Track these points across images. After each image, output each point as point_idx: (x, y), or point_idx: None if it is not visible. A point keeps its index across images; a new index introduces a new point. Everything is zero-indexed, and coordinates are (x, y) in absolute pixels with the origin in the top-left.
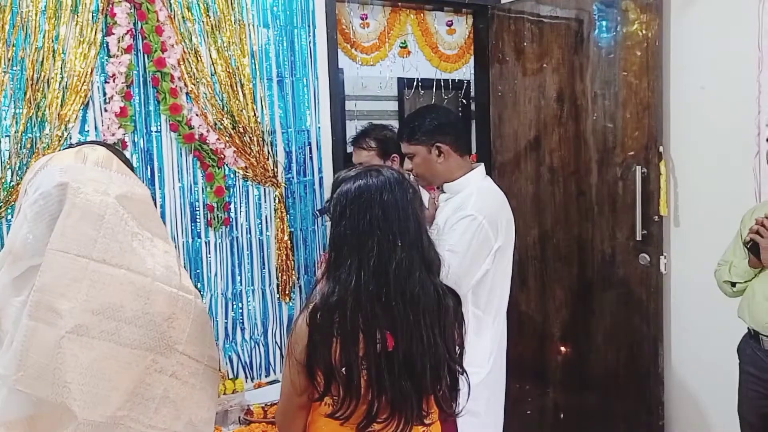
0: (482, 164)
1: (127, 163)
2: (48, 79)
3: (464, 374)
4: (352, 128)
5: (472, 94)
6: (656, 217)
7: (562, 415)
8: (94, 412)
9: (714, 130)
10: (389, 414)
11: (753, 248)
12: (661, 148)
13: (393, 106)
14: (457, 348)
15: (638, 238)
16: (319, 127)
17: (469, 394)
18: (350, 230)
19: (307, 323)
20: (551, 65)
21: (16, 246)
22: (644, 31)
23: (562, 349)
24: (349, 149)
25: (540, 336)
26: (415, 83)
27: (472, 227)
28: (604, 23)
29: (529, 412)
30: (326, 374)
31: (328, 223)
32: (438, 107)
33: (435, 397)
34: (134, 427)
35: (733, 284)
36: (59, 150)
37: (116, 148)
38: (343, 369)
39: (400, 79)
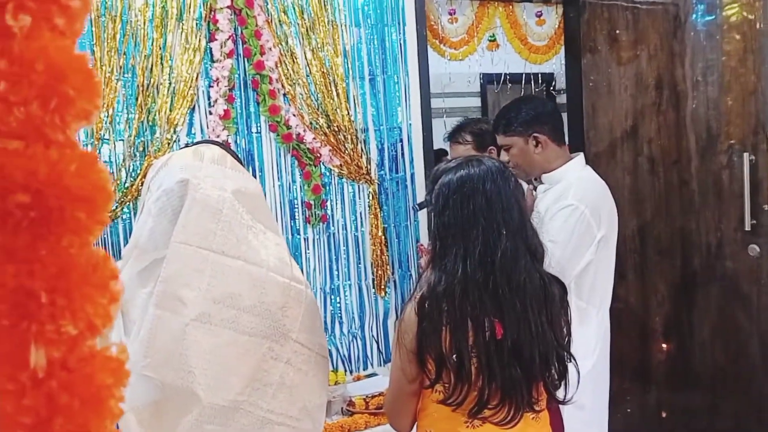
0: (581, 153)
1: (239, 160)
2: (157, 85)
3: (573, 361)
4: (437, 126)
5: (562, 85)
6: (766, 206)
7: (664, 414)
8: (217, 395)
9: None
10: (500, 400)
11: None
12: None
13: (476, 102)
14: (565, 335)
15: (747, 228)
16: (410, 124)
17: (578, 381)
18: (454, 220)
19: (416, 312)
20: (647, 52)
21: (142, 240)
22: (745, 14)
23: (665, 345)
24: (441, 145)
25: (641, 332)
26: (501, 78)
27: (574, 217)
28: (702, 6)
29: (629, 410)
30: (437, 362)
31: (422, 219)
32: (532, 97)
33: (544, 384)
34: (253, 412)
35: None
36: (172, 150)
37: (228, 147)
38: (454, 356)
39: (483, 75)
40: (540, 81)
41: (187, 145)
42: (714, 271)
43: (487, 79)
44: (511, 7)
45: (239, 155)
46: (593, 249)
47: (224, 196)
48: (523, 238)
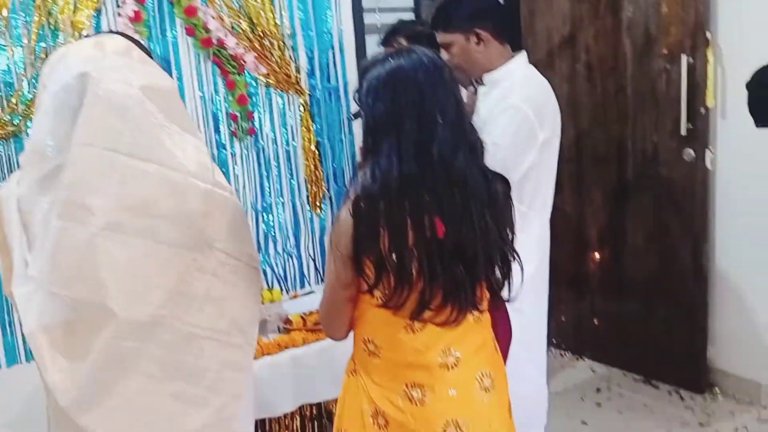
0: (524, 51)
1: (148, 54)
2: None
3: (517, 259)
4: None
5: None
6: (703, 109)
7: (597, 321)
8: (135, 310)
9: (765, 17)
10: (442, 301)
11: None
12: (708, 35)
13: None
14: (509, 232)
15: (683, 133)
16: (341, 29)
17: (522, 281)
18: (386, 113)
19: (351, 214)
20: None
21: (39, 144)
22: None
23: (600, 253)
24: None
25: (577, 240)
26: None
27: (517, 118)
28: None
29: (564, 318)
30: (377, 265)
31: (358, 132)
32: None
33: (488, 284)
34: (177, 327)
35: None
36: None
37: (135, 39)
38: (394, 258)
39: None
40: None
41: (86, 36)
42: (649, 177)
43: None
44: None
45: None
46: (536, 152)
47: (131, 92)
48: (461, 132)
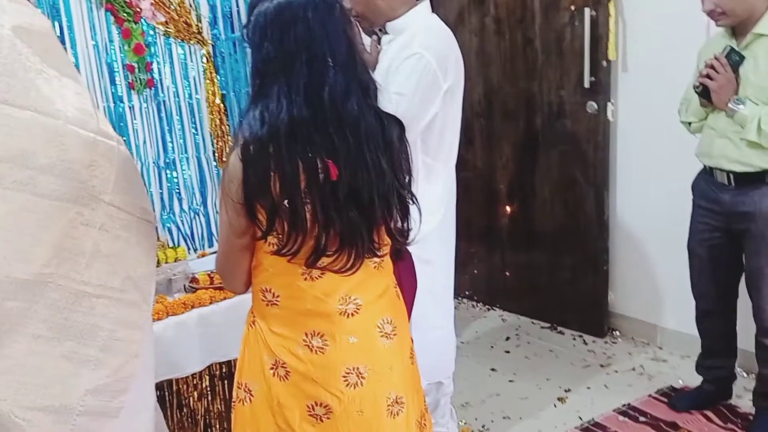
0: (427, 0)
1: None
2: None
3: (415, 202)
4: None
5: None
6: (605, 62)
7: (507, 273)
8: (16, 268)
9: None
10: (338, 247)
11: (704, 93)
12: None
13: None
14: (405, 175)
15: (586, 85)
16: None
17: (420, 222)
18: (273, 53)
19: (240, 159)
20: None
21: None
22: None
23: (509, 207)
24: None
25: (487, 195)
26: None
27: (419, 67)
28: None
29: (476, 271)
30: (269, 211)
31: None
32: None
33: (386, 228)
34: (66, 285)
35: (689, 123)
36: None
37: None
38: (286, 203)
39: None
40: None
41: None
42: (556, 131)
43: None
44: None
45: (40, 11)
46: (439, 101)
47: (1, 34)
48: (353, 73)
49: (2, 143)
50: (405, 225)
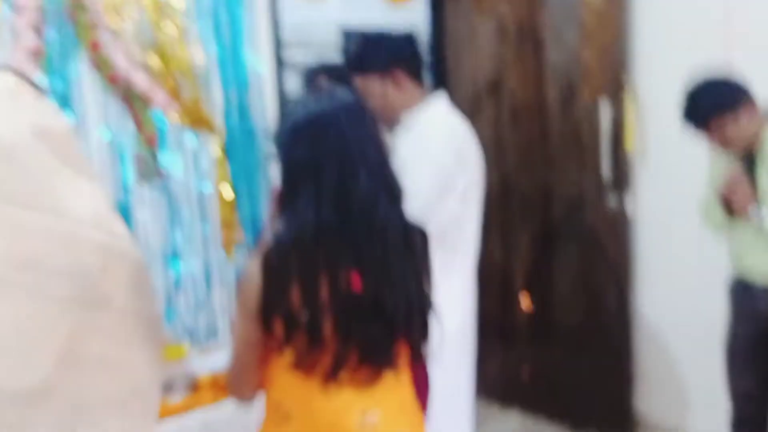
0: (444, 92)
1: (41, 92)
2: None
3: (436, 314)
4: (292, 80)
5: (424, 38)
6: (623, 154)
7: (524, 370)
8: (20, 377)
9: (683, 63)
10: (358, 361)
11: (725, 206)
12: (626, 81)
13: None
14: (428, 287)
15: (605, 178)
16: (260, 67)
17: (442, 336)
18: (304, 159)
19: (261, 267)
20: (509, 1)
21: None
22: None
23: (526, 300)
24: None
25: (502, 287)
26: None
27: (435, 164)
28: None
29: (490, 366)
30: (287, 322)
31: (276, 176)
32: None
33: (407, 340)
34: (69, 395)
35: (714, 227)
36: None
37: (26, 76)
38: (305, 314)
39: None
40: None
41: None
42: (574, 223)
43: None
44: None
45: (54, 100)
46: (457, 197)
47: (20, 134)
48: (382, 178)
49: (14, 246)
50: (425, 334)
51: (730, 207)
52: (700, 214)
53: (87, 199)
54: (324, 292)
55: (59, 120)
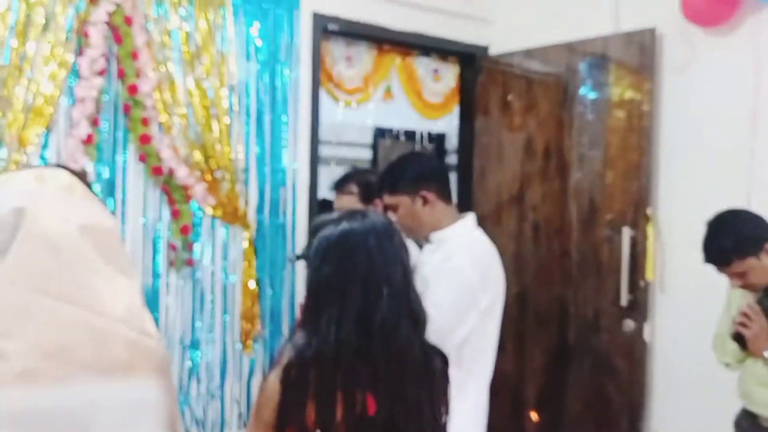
0: (473, 213)
1: (91, 190)
2: (11, 98)
3: None
4: (325, 174)
5: (453, 144)
6: (642, 282)
7: None
8: None
9: (705, 194)
10: None
11: (739, 340)
12: (649, 211)
13: (367, 154)
14: (443, 413)
15: (623, 303)
16: (295, 168)
17: None
18: (331, 276)
19: (280, 380)
20: (538, 119)
21: None
22: (633, 93)
23: (537, 417)
24: (324, 194)
25: (514, 402)
26: (394, 132)
27: (460, 280)
28: (592, 82)
29: None
30: None
31: (301, 272)
32: (418, 153)
33: None
34: None
35: (727, 363)
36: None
37: (80, 174)
38: None
39: (376, 128)
40: (432, 138)
41: (28, 168)
42: (589, 343)
43: (380, 133)
44: (409, 60)
45: (99, 186)
46: (477, 316)
47: (68, 231)
48: (406, 302)
49: (45, 336)
50: None
51: (743, 342)
52: (713, 347)
53: (123, 297)
54: (339, 412)
55: (106, 217)
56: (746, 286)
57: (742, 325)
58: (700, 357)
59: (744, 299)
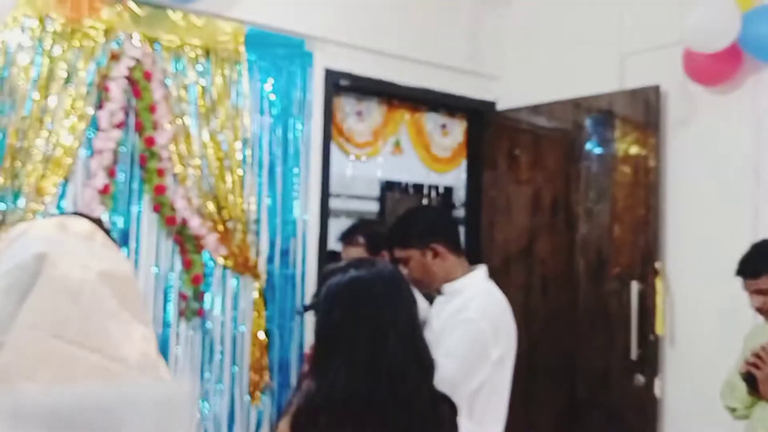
0: (484, 265)
1: (110, 238)
2: (30, 150)
3: None
4: (333, 226)
5: (461, 198)
6: (652, 336)
7: None
8: None
9: (711, 248)
10: None
11: (750, 381)
12: (657, 265)
13: (375, 206)
14: None
15: (633, 357)
16: (306, 220)
17: None
18: (339, 322)
19: (290, 427)
20: (545, 174)
21: None
22: (639, 148)
23: None
24: (333, 245)
25: None
26: (403, 185)
27: (472, 332)
28: (598, 137)
29: None
30: None
31: (310, 323)
32: (426, 206)
33: None
34: None
35: (734, 408)
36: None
37: (100, 222)
38: None
39: (385, 181)
40: (440, 192)
41: (50, 216)
42: (599, 398)
43: (388, 186)
44: (417, 115)
45: (113, 234)
46: (489, 368)
47: (87, 277)
48: (414, 349)
49: (59, 379)
50: None
51: (754, 383)
52: (720, 393)
53: (138, 343)
54: None
55: (124, 265)
56: (765, 309)
57: (755, 366)
58: (711, 412)
59: (760, 343)
